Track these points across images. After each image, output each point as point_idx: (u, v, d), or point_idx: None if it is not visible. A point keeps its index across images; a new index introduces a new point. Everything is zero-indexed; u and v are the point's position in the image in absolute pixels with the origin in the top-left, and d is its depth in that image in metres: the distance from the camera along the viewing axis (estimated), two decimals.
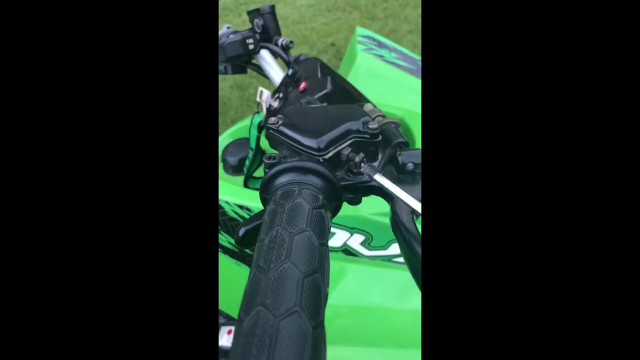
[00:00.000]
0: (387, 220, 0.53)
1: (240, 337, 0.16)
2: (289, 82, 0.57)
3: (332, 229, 0.53)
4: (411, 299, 0.54)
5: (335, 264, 0.54)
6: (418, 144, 0.60)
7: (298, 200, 0.23)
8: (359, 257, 0.54)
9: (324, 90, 0.47)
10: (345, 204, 0.28)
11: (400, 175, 0.27)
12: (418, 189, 0.27)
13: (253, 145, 0.56)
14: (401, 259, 0.56)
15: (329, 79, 0.49)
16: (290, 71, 0.59)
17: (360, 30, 0.90)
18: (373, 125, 0.27)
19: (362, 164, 0.26)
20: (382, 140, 0.29)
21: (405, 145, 0.29)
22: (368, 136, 0.27)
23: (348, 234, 0.53)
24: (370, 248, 0.54)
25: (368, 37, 0.89)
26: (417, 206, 0.24)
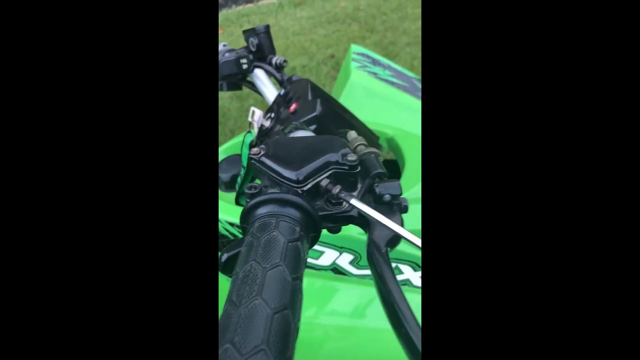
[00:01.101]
0: None
1: None
2: (281, 102, 0.58)
3: (321, 248, 0.53)
4: None
5: (325, 283, 0.55)
6: (408, 163, 0.61)
7: (274, 233, 0.23)
8: (348, 276, 0.55)
9: (313, 112, 0.48)
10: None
11: (377, 206, 0.28)
12: (396, 220, 0.27)
13: (245, 163, 0.57)
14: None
15: (318, 101, 0.50)
16: (283, 91, 0.60)
17: (354, 48, 0.91)
18: (352, 157, 0.28)
19: (341, 194, 0.27)
20: (362, 171, 0.29)
21: (384, 176, 0.29)
22: (347, 167, 0.28)
23: (337, 253, 0.53)
24: (359, 267, 0.54)
25: (362, 54, 0.90)
26: (395, 228, 0.25)
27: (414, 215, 0.52)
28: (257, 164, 0.28)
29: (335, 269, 0.54)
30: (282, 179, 0.27)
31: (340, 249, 0.53)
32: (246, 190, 0.27)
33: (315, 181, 0.27)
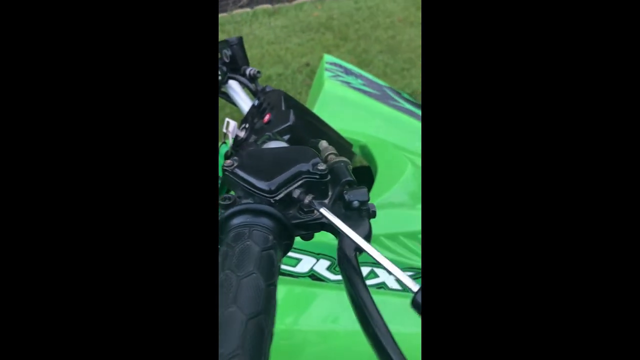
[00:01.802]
0: None
1: None
2: (255, 112, 0.59)
3: (298, 255, 0.54)
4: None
5: (303, 290, 0.55)
6: (380, 169, 0.63)
7: (248, 242, 0.24)
8: (326, 282, 0.56)
9: (287, 122, 0.49)
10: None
11: (347, 212, 0.29)
12: (364, 224, 0.29)
13: (220, 174, 0.58)
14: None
15: (291, 111, 0.51)
16: (257, 102, 0.61)
17: (327, 58, 0.94)
18: (322, 166, 0.30)
19: (313, 203, 0.28)
20: (332, 179, 0.31)
21: (353, 183, 0.31)
22: (317, 176, 0.29)
23: (314, 260, 0.54)
24: (336, 272, 0.55)
25: (335, 64, 0.93)
26: (358, 240, 0.26)
27: (388, 219, 0.54)
28: (231, 176, 0.29)
29: (313, 276, 0.55)
30: (254, 190, 0.28)
31: (317, 256, 0.54)
32: (220, 202, 0.28)
33: (287, 191, 0.28)
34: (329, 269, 0.55)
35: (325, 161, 0.33)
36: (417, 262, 0.55)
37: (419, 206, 0.61)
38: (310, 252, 0.54)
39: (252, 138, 0.54)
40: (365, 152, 0.69)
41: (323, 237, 0.53)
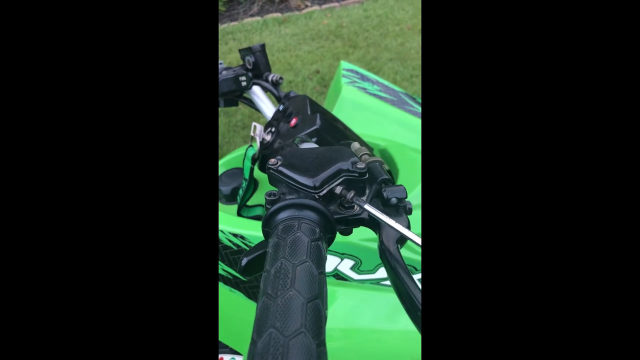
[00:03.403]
0: (374, 246, 0.57)
1: (255, 356, 0.19)
2: (280, 117, 0.61)
3: None
4: (400, 320, 0.56)
5: (327, 288, 0.57)
6: (401, 172, 0.64)
7: (298, 234, 0.26)
8: (349, 281, 0.57)
9: (313, 126, 0.51)
10: (338, 234, 0.32)
11: (385, 208, 0.31)
12: (402, 220, 0.30)
13: (247, 176, 0.60)
14: (389, 282, 0.59)
15: (318, 116, 0.53)
16: (281, 107, 0.63)
17: (344, 64, 0.96)
18: (361, 165, 0.31)
19: (354, 199, 0.30)
20: (369, 177, 0.33)
21: (390, 181, 0.33)
22: (357, 174, 0.31)
23: (339, 259, 0.56)
24: (359, 272, 0.57)
25: (352, 70, 0.95)
26: (404, 231, 0.28)
27: (412, 220, 0.56)
28: (276, 173, 0.31)
29: (337, 275, 0.57)
30: (299, 186, 0.30)
31: (342, 255, 0.55)
32: (266, 197, 0.30)
33: (330, 187, 0.30)
34: (352, 268, 0.56)
35: (360, 161, 0.34)
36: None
37: None
38: (335, 251, 0.55)
39: (279, 141, 0.56)
40: (385, 155, 0.71)
41: (347, 237, 0.55)
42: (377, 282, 0.58)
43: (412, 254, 0.56)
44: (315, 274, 0.24)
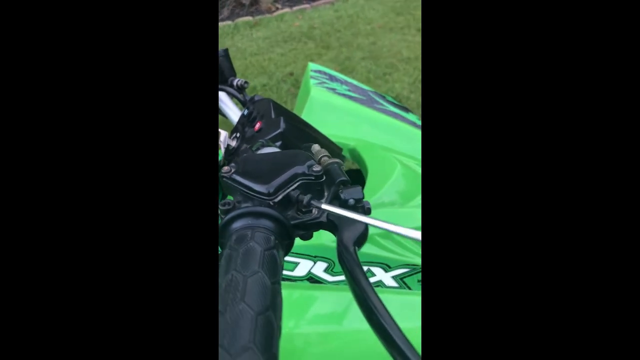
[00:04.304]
0: None
1: None
2: (245, 121, 0.60)
3: (296, 260, 0.55)
4: None
5: (302, 293, 0.56)
6: (371, 171, 0.64)
7: (251, 244, 0.25)
8: (324, 284, 0.57)
9: (277, 129, 0.51)
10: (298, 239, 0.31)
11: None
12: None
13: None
14: None
15: (281, 119, 0.52)
16: (246, 111, 0.62)
17: (312, 66, 0.96)
18: (317, 168, 0.31)
19: (312, 202, 0.29)
20: (327, 180, 0.32)
21: (348, 182, 0.32)
22: (313, 178, 0.31)
23: (312, 263, 0.55)
24: (333, 274, 0.56)
25: (320, 71, 0.95)
26: (364, 219, 0.27)
27: (381, 218, 0.56)
28: (229, 181, 0.30)
29: (311, 278, 0.56)
30: (253, 193, 0.29)
31: (314, 258, 0.55)
32: (220, 207, 0.29)
33: (285, 192, 0.30)
34: (326, 270, 0.56)
35: (319, 163, 0.34)
36: (411, 258, 0.56)
37: (409, 204, 0.63)
38: (307, 255, 0.55)
39: (244, 147, 0.55)
40: (355, 155, 0.71)
41: (319, 240, 0.54)
42: None
43: (407, 253, 0.56)
44: (268, 284, 0.23)
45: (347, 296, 0.57)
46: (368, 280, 0.26)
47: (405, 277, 0.57)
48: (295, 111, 0.91)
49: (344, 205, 0.31)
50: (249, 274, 0.23)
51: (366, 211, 0.31)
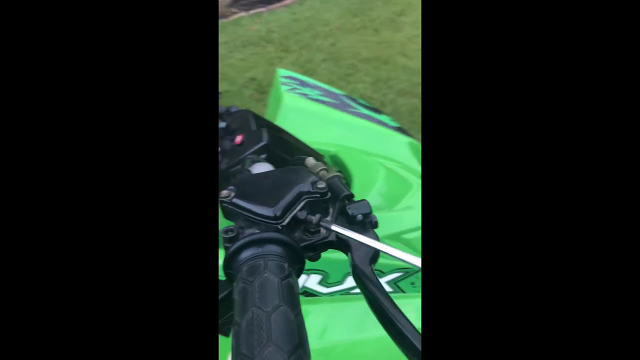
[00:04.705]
0: (339, 256, 0.55)
1: None
2: (223, 135, 0.58)
3: None
4: (372, 326, 0.56)
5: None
6: (355, 177, 0.64)
7: (266, 274, 0.24)
8: (319, 297, 0.55)
9: (261, 142, 0.49)
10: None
11: (351, 226, 0.30)
12: (371, 235, 0.29)
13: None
14: (358, 290, 0.58)
15: (264, 130, 0.50)
16: (224, 124, 0.59)
17: (281, 72, 0.94)
18: (321, 185, 0.29)
19: (322, 222, 0.28)
20: (331, 195, 0.31)
21: (352, 196, 0.31)
22: (318, 195, 0.29)
23: (305, 276, 0.54)
24: (328, 285, 0.55)
25: (290, 77, 0.93)
26: (376, 245, 0.26)
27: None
28: (230, 207, 0.28)
29: (306, 292, 0.54)
30: (259, 218, 0.27)
31: (308, 272, 0.53)
32: (223, 235, 0.27)
33: (292, 214, 0.28)
34: (320, 283, 0.55)
35: (319, 178, 0.33)
36: (402, 263, 0.56)
37: (396, 207, 0.63)
38: None
39: (225, 161, 0.53)
40: (337, 161, 0.70)
41: None
42: (347, 292, 0.56)
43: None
44: (292, 318, 0.21)
45: (342, 307, 0.56)
46: (391, 299, 0.25)
47: (399, 281, 0.57)
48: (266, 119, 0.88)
49: (351, 220, 0.30)
50: (271, 309, 0.21)
51: (374, 225, 0.30)
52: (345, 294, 0.57)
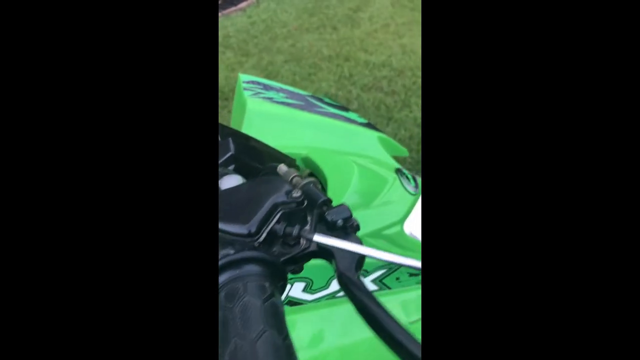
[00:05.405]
0: (321, 261, 0.54)
1: None
2: None
3: None
4: (360, 328, 0.55)
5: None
6: (329, 178, 0.62)
7: (246, 298, 0.22)
8: (304, 304, 0.54)
9: (228, 152, 0.46)
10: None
11: (332, 233, 0.28)
12: (354, 239, 0.28)
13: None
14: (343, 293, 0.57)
15: (230, 140, 0.48)
16: None
17: (243, 77, 0.91)
18: (297, 193, 0.28)
19: (302, 233, 0.27)
20: (307, 203, 0.29)
21: (330, 202, 0.30)
22: (294, 205, 0.28)
23: (288, 286, 0.52)
24: (312, 292, 0.53)
25: (253, 82, 0.90)
26: (361, 250, 0.25)
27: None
28: None
29: (290, 302, 0.53)
30: (233, 237, 0.25)
31: (291, 281, 0.52)
32: None
33: (268, 228, 0.26)
34: (304, 290, 0.53)
35: (293, 186, 0.31)
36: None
37: (373, 204, 0.62)
38: None
39: None
40: (309, 163, 0.69)
41: None
42: (332, 296, 0.55)
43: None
44: (280, 343, 0.20)
45: (328, 312, 0.55)
46: (381, 305, 0.24)
47: (383, 278, 0.57)
48: (231, 126, 0.86)
49: (332, 227, 0.28)
50: (255, 336, 0.20)
51: (355, 228, 0.29)
52: (331, 299, 0.55)
